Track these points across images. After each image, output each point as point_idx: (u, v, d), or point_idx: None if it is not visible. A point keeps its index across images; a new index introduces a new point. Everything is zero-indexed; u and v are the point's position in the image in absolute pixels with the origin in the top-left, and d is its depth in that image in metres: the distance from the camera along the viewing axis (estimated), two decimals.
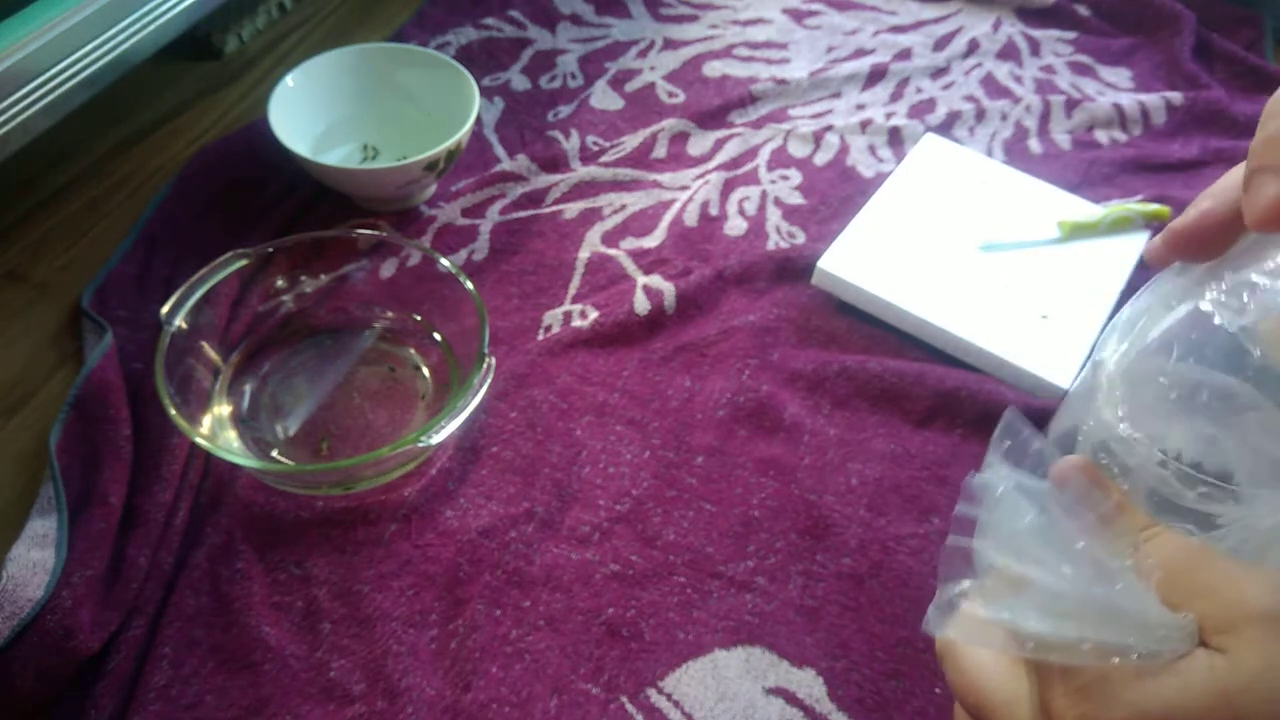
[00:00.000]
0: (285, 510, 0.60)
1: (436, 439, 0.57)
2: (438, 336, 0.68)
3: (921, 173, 0.80)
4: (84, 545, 0.55)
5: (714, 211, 0.79)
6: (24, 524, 0.57)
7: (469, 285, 0.64)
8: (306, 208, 0.77)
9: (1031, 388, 0.67)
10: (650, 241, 0.77)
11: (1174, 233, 0.33)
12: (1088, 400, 0.34)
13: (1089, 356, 0.68)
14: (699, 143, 0.85)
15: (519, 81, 0.90)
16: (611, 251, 0.76)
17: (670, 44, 0.95)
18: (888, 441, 0.65)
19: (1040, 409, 0.65)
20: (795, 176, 0.83)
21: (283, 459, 0.62)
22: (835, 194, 0.81)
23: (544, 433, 0.65)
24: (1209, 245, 0.33)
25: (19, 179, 0.77)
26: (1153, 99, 0.89)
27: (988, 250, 0.74)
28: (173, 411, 0.56)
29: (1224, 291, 0.30)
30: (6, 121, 0.63)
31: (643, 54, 0.94)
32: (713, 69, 0.93)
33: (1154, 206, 0.77)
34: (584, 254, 0.76)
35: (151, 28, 0.72)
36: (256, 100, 0.86)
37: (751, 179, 0.82)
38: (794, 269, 0.75)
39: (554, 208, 0.79)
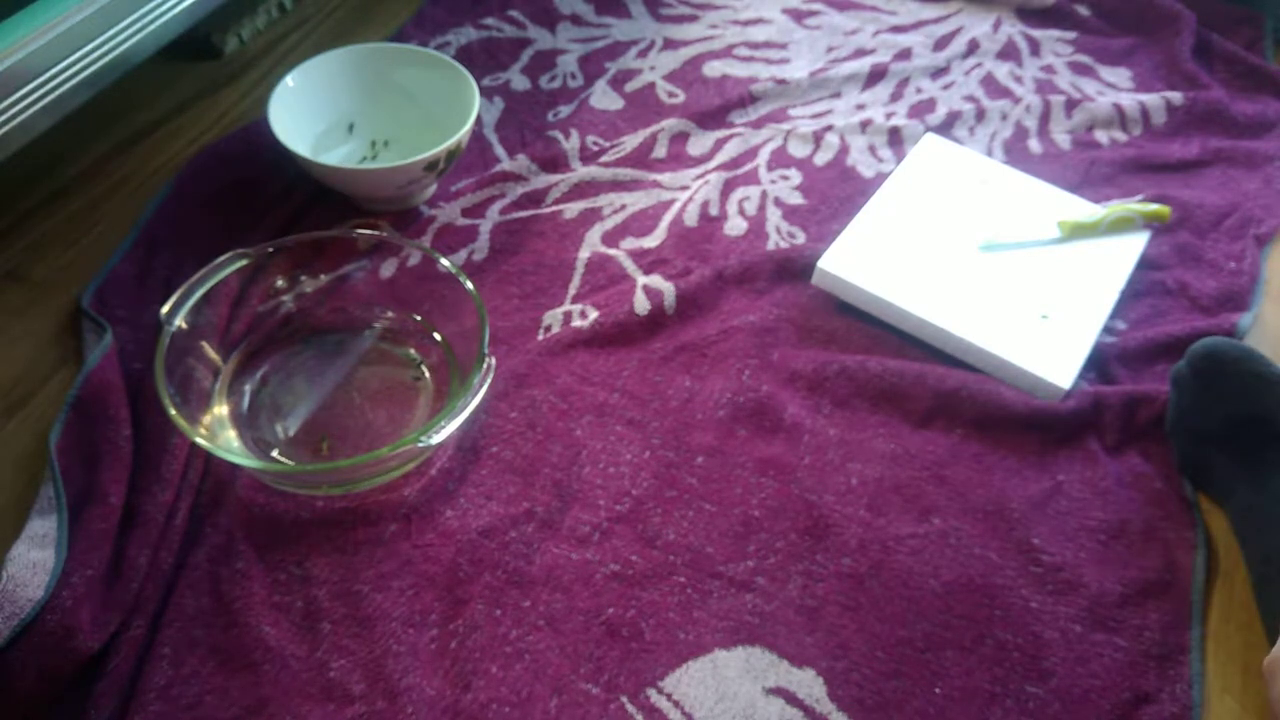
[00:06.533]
0: (285, 510, 0.60)
1: (436, 439, 0.57)
2: (438, 336, 0.68)
3: (921, 173, 0.80)
4: (84, 545, 0.55)
5: (714, 211, 0.79)
6: (24, 524, 0.57)
7: (469, 285, 0.64)
8: (306, 208, 0.77)
9: (1031, 388, 0.67)
10: (650, 241, 0.77)
11: None
12: None
13: (1089, 356, 0.68)
14: (699, 143, 0.85)
15: (519, 81, 0.90)
16: (611, 251, 0.76)
17: (670, 44, 0.95)
18: (888, 441, 0.65)
19: (1040, 409, 0.65)
20: (795, 176, 0.83)
21: (283, 459, 0.62)
22: (835, 194, 0.81)
23: (544, 433, 0.65)
24: None
25: (19, 179, 0.77)
26: (1153, 99, 0.89)
27: (988, 250, 0.74)
28: (173, 411, 0.56)
29: None
30: (6, 121, 0.63)
31: (643, 54, 0.94)
32: (713, 69, 0.93)
33: (1154, 206, 0.77)
34: (584, 254, 0.76)
35: (151, 28, 0.72)
36: (256, 100, 0.86)
37: (751, 179, 0.82)
38: (794, 269, 0.75)
39: (554, 208, 0.79)
